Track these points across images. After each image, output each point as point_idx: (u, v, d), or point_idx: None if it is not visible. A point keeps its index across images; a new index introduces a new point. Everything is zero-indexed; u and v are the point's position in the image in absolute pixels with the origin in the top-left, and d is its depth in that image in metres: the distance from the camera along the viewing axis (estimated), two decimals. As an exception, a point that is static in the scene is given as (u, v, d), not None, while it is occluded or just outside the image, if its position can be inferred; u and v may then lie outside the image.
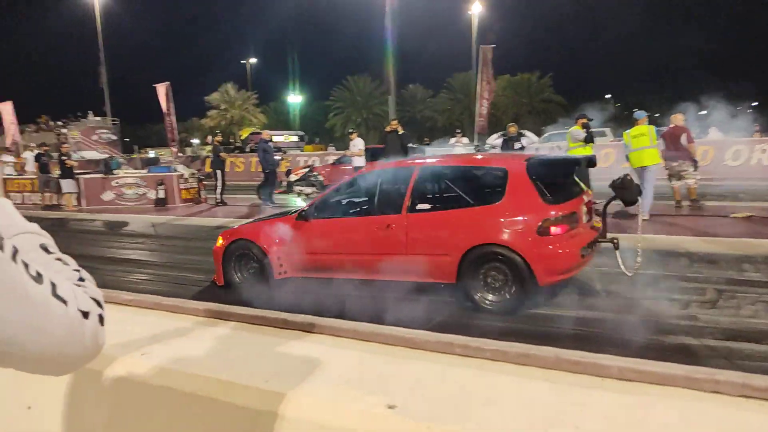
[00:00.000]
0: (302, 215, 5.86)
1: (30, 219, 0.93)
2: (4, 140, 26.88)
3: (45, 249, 0.88)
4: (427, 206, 5.45)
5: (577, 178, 5.72)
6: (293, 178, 13.88)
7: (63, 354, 0.75)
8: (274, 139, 45.45)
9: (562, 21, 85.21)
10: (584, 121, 9.21)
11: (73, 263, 0.89)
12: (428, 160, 6.59)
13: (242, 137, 43.83)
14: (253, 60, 59.10)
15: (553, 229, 4.82)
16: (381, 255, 5.33)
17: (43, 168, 15.31)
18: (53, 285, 0.74)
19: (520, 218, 4.93)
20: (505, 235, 4.91)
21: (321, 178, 14.13)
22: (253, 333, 2.63)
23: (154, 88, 22.72)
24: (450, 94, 53.70)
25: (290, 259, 5.82)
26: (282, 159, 15.70)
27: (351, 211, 6.01)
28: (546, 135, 28.10)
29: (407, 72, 54.96)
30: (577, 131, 9.15)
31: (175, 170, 15.24)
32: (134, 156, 37.76)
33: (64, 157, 14.67)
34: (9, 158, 18.24)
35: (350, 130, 14.41)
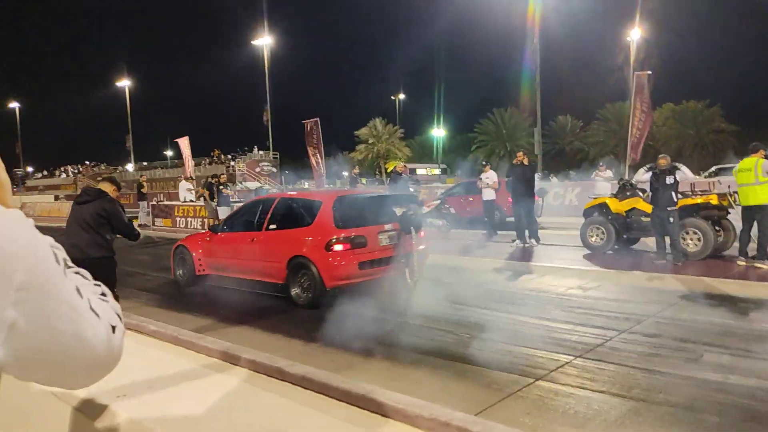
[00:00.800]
0: (213, 229, 8.61)
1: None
2: (185, 171, 30.18)
3: (65, 263, 0.83)
4: (274, 226, 7.48)
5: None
6: (425, 210, 13.75)
7: (99, 365, 0.79)
8: (418, 171, 46.33)
9: (735, 44, 76.82)
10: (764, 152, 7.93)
11: (90, 278, 0.89)
12: (288, 193, 9.81)
13: (388, 170, 45.29)
14: (401, 96, 61.34)
15: (336, 247, 6.69)
16: (249, 260, 7.63)
17: (211, 196, 16.81)
18: (89, 299, 0.79)
19: (318, 238, 6.80)
20: (307, 249, 6.84)
21: (453, 210, 13.84)
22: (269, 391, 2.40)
23: (303, 124, 24.37)
24: (603, 125, 50.71)
25: (206, 261, 8.34)
26: (415, 191, 15.67)
27: (238, 228, 8.22)
28: (712, 169, 25.17)
29: (557, 103, 52.92)
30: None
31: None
32: (289, 186, 40.67)
33: (221, 187, 16.05)
34: (189, 186, 20.29)
35: (483, 163, 14.21)
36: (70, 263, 0.86)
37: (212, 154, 57.99)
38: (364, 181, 15.09)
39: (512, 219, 13.69)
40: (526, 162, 11.45)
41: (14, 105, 63.69)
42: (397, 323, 6.05)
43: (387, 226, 7.09)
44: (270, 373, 4.16)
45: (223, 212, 15.79)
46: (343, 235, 6.72)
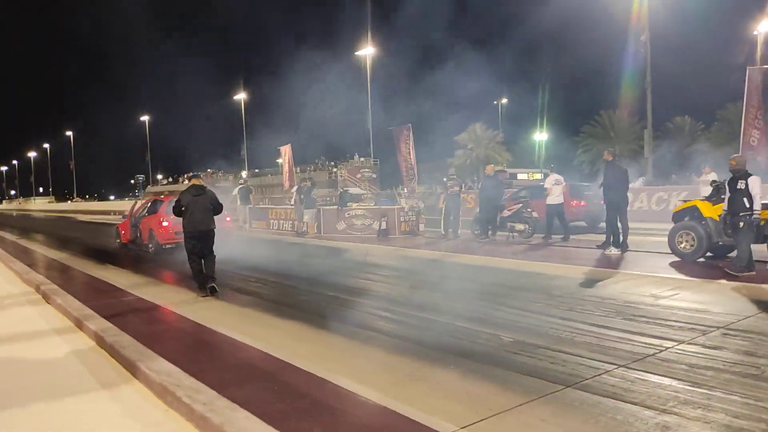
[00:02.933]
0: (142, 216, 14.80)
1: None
2: (283, 178, 31.50)
3: None
4: (146, 213, 14.58)
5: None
6: (506, 213, 13.40)
7: None
8: (519, 176, 45.08)
9: None
10: None
11: None
12: (158, 196, 16.92)
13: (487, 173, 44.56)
14: (504, 100, 60.12)
15: (164, 223, 13.35)
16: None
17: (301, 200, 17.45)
18: None
19: (159, 218, 13.63)
20: (154, 225, 13.70)
21: (536, 215, 13.33)
22: None
23: (391, 131, 24.61)
24: (727, 126, 46.41)
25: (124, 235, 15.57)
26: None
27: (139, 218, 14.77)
28: None
29: (672, 104, 49.21)
30: None
31: (398, 204, 16.10)
32: (387, 191, 41.31)
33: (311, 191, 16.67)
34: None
35: (552, 166, 13.96)
36: None
37: (317, 161, 60.54)
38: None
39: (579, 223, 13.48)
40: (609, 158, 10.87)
41: (144, 118, 70.23)
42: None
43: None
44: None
45: (309, 213, 16.42)
46: (168, 219, 12.80)
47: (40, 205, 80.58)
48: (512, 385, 4.17)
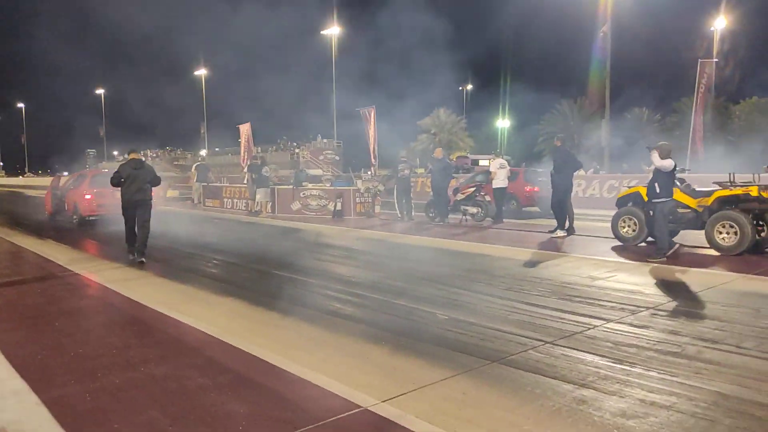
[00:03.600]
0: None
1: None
2: (240, 157, 30.89)
3: None
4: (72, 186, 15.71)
5: None
6: (460, 197, 13.47)
7: None
8: (480, 162, 45.48)
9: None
10: None
11: None
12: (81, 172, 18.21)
13: (451, 159, 44.83)
14: (469, 86, 60.39)
15: (87, 196, 14.43)
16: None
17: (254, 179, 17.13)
18: None
19: (81, 191, 14.85)
20: (78, 198, 14.79)
21: (488, 198, 13.45)
22: None
23: (358, 112, 24.47)
24: (682, 117, 47.79)
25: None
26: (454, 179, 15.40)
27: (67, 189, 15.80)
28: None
29: (633, 95, 50.32)
30: None
31: (354, 186, 16.02)
32: (347, 174, 41.05)
33: (263, 168, 16.40)
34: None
35: (494, 152, 15.07)
36: None
37: (278, 141, 59.60)
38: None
39: (532, 209, 13.83)
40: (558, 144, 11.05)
41: (100, 91, 67.78)
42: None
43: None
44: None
45: (261, 193, 16.19)
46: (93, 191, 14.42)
47: (-14, 179, 77.17)
48: (440, 360, 4.17)
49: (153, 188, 8.90)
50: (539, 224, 12.71)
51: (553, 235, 10.63)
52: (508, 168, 13.77)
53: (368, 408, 3.32)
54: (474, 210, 13.12)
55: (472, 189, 13.32)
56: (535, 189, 15.68)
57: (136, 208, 8.67)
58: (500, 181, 13.23)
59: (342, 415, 3.23)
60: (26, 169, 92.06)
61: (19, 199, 32.19)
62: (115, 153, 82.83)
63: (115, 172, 8.70)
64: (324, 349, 4.52)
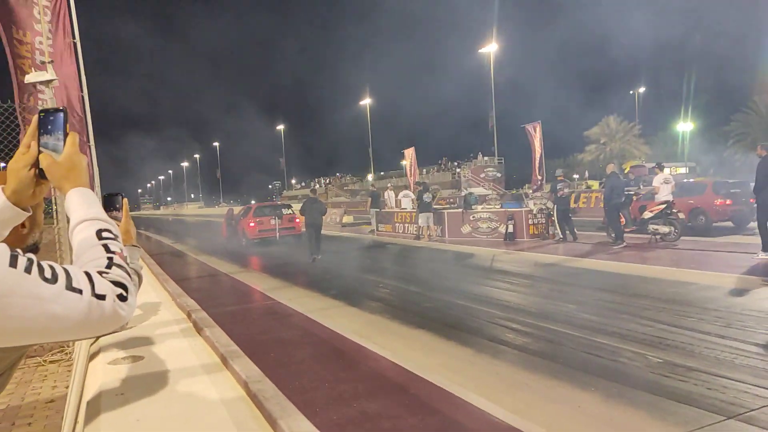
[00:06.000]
0: None
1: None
2: (408, 179, 31.93)
3: (99, 234, 1.14)
4: None
5: None
6: (648, 215, 12.38)
7: (87, 326, 1.02)
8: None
9: None
10: None
11: (114, 248, 1.13)
12: None
13: (626, 171, 41.74)
14: (641, 90, 55.93)
15: (251, 224, 18.73)
16: None
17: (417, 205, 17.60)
18: (68, 279, 1.01)
19: (249, 221, 18.93)
20: (245, 225, 19.10)
21: (681, 215, 12.20)
22: None
23: (523, 128, 23.92)
24: None
25: None
26: (634, 194, 14.25)
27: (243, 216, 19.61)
28: None
29: None
30: None
31: (526, 206, 15.58)
32: (514, 192, 40.19)
33: (424, 194, 16.65)
34: (410, 193, 21.63)
35: (655, 166, 13.70)
36: (105, 234, 1.14)
37: (440, 162, 60.41)
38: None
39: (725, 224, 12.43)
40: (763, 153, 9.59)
41: (280, 127, 74.79)
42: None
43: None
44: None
45: (423, 218, 16.43)
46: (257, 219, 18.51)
47: (191, 210, 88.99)
48: (663, 413, 3.80)
49: (323, 215, 13.97)
50: (738, 242, 11.22)
51: (760, 257, 9.30)
52: (673, 183, 12.82)
53: (592, 466, 3.12)
54: (666, 229, 11.96)
55: (663, 206, 12.18)
56: (728, 202, 14.00)
57: (312, 228, 13.50)
58: (664, 196, 12.36)
59: (565, 473, 3.06)
60: (221, 200, 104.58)
61: (209, 225, 36.59)
62: (293, 182, 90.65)
63: (302, 205, 14.21)
64: (527, 392, 4.37)
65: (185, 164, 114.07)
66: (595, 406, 4.02)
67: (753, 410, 3.74)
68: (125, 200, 1.73)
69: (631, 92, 55.85)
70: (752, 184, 9.81)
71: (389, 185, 28.92)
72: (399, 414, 4.00)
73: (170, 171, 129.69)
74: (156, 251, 18.66)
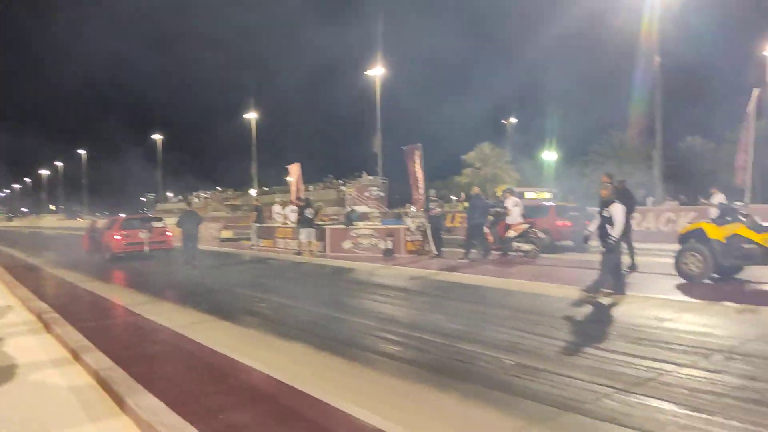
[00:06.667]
0: None
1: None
2: (291, 195, 31.61)
3: None
4: None
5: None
6: (512, 234, 13.40)
7: None
8: (527, 195, 45.11)
9: None
10: None
11: None
12: None
13: (497, 194, 44.60)
14: (513, 119, 60.26)
15: (116, 237, 17.51)
16: None
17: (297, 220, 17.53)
18: None
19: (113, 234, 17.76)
20: (109, 239, 17.82)
21: (541, 234, 13.35)
22: None
23: (402, 151, 24.78)
24: (735, 147, 46.27)
25: None
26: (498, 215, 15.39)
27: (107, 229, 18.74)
28: None
29: (686, 123, 49.18)
30: None
31: (404, 223, 16.17)
32: (394, 210, 41.29)
33: (305, 210, 16.71)
34: (294, 208, 21.48)
35: (506, 190, 15.67)
36: None
37: (325, 179, 60.96)
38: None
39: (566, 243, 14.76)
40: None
41: (156, 137, 71.00)
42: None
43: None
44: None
45: (305, 233, 16.49)
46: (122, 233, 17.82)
47: (50, 222, 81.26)
48: (512, 409, 4.16)
49: (199, 225, 15.62)
50: (588, 259, 12.49)
51: None
52: (522, 206, 14.36)
53: (447, 459, 3.34)
54: (528, 247, 13.01)
55: (526, 226, 13.23)
56: (567, 223, 15.58)
57: (189, 238, 14.88)
58: (513, 218, 13.76)
59: (422, 467, 3.26)
60: (83, 213, 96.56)
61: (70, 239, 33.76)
62: (169, 195, 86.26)
63: (179, 217, 15.43)
64: (394, 396, 4.57)
65: (45, 172, 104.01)
66: (454, 406, 4.31)
67: (587, 403, 4.21)
68: None
69: (503, 121, 60.11)
70: (589, 209, 11.03)
71: (277, 200, 28.55)
72: (267, 423, 4.00)
73: (27, 179, 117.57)
74: (8, 264, 16.85)
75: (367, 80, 46.41)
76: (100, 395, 4.38)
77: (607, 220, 8.17)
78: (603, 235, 8.25)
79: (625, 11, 28.26)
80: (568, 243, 15.64)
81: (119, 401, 4.24)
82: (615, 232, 8.05)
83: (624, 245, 10.91)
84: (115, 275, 14.22)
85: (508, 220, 13.64)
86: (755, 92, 16.26)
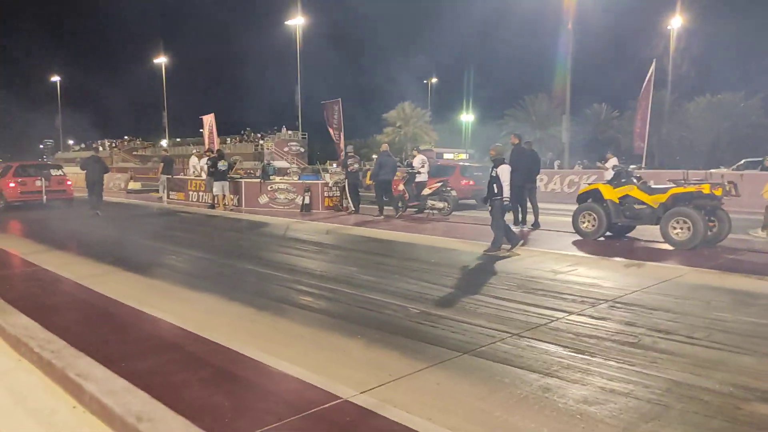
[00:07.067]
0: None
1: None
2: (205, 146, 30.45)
3: None
4: None
5: None
6: (427, 192, 13.73)
7: None
8: (445, 156, 46.04)
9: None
10: None
11: None
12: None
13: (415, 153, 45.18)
14: (434, 80, 60.73)
15: (11, 185, 16.54)
16: None
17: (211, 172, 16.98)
18: None
19: (8, 181, 16.77)
20: (3, 186, 16.67)
21: (454, 193, 13.77)
22: None
23: (322, 105, 24.45)
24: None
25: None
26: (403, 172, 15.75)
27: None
28: (741, 162, 24.49)
29: (592, 91, 51.65)
30: None
31: (322, 179, 16.10)
32: (313, 166, 40.94)
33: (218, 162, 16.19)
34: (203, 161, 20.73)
35: (414, 149, 16.14)
36: None
37: (243, 132, 58.85)
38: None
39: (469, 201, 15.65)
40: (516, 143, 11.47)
41: (55, 79, 65.48)
42: None
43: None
44: None
45: (218, 186, 16.06)
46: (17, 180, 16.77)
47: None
48: (414, 352, 4.38)
49: (105, 173, 15.53)
50: (485, 217, 13.11)
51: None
52: (428, 164, 14.92)
53: (348, 399, 3.49)
54: (441, 204, 13.39)
55: (439, 184, 13.58)
56: (471, 183, 16.28)
57: (94, 185, 14.76)
58: (422, 176, 14.28)
59: (324, 406, 3.39)
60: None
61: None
62: (71, 142, 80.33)
63: (81, 163, 15.50)
64: (301, 343, 4.67)
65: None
66: (358, 350, 4.47)
67: (483, 346, 4.51)
68: None
69: (424, 81, 60.49)
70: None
71: (194, 151, 27.37)
72: (171, 370, 3.98)
73: None
74: None
75: (289, 30, 45.04)
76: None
77: (495, 180, 8.55)
78: (490, 194, 8.66)
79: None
80: (472, 201, 16.29)
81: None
82: (505, 191, 8.43)
83: (529, 204, 11.57)
84: (10, 225, 13.26)
85: (418, 178, 14.06)
86: (653, 63, 17.32)
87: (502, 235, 8.61)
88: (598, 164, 14.88)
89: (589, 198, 10.01)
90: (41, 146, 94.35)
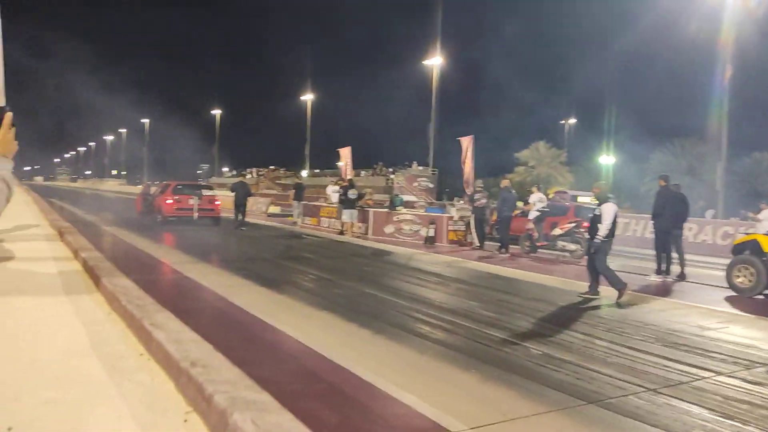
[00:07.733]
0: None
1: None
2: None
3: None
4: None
5: None
6: (558, 232, 13.08)
7: None
8: (579, 199, 43.93)
9: None
10: None
11: None
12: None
13: (550, 196, 43.60)
14: (572, 120, 58.66)
15: (168, 201, 18.19)
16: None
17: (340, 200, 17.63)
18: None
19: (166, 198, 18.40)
20: (162, 202, 18.58)
21: (587, 235, 12.96)
22: None
23: (458, 141, 24.54)
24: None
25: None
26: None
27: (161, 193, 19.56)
28: None
29: (753, 138, 46.69)
30: None
31: (447, 213, 16.04)
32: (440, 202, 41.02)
33: (348, 191, 16.79)
34: (336, 188, 21.77)
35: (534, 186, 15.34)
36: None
37: (375, 166, 60.90)
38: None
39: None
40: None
41: (215, 112, 72.78)
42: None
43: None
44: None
45: (347, 214, 16.57)
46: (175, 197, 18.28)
47: (111, 186, 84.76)
48: (532, 394, 4.07)
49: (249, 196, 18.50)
50: (633, 265, 12.06)
51: (651, 278, 10.14)
52: (544, 203, 14.23)
53: (457, 433, 3.30)
54: (573, 247, 12.67)
55: (572, 225, 12.89)
56: (587, 225, 15.18)
57: (239, 206, 17.62)
58: (532, 213, 13.79)
59: (431, 436, 3.23)
60: (145, 179, 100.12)
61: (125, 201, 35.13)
62: (225, 169, 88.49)
63: (232, 185, 18.71)
64: (414, 370, 4.55)
65: (109, 137, 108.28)
66: (473, 385, 4.25)
67: (612, 398, 4.08)
68: (9, 114, 1.82)
69: (561, 122, 58.61)
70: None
71: (332, 180, 28.89)
72: (284, 380, 4.05)
73: (92, 143, 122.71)
74: (70, 219, 17.74)
75: (426, 70, 46.19)
76: (83, 278, 5.10)
77: (597, 219, 8.00)
78: (592, 233, 8.12)
79: (701, 15, 26.97)
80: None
81: (97, 282, 4.96)
82: (602, 231, 7.90)
83: (675, 255, 10.55)
84: (164, 237, 14.73)
85: (531, 215, 13.62)
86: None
87: (615, 276, 7.99)
88: (750, 215, 13.28)
89: (746, 250, 8.89)
90: (198, 171, 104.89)
